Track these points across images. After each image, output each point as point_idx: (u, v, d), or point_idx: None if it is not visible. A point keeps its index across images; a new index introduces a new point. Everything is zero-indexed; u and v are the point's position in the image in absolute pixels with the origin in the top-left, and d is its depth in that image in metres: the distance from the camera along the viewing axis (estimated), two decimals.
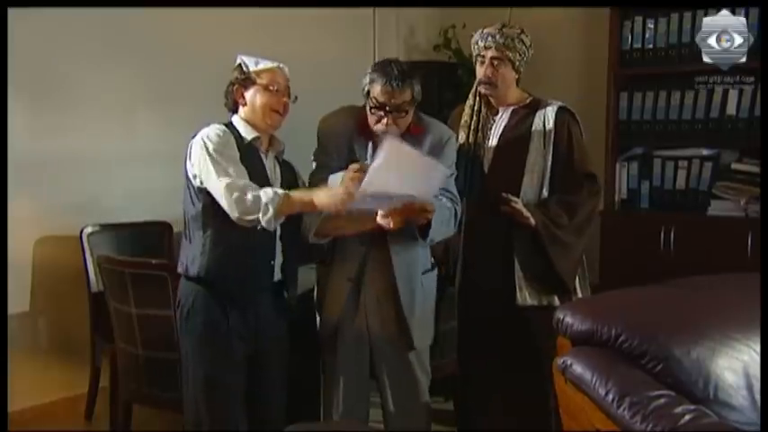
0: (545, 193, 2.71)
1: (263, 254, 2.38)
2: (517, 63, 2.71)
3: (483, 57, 2.71)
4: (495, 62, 2.69)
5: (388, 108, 2.38)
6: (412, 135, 2.45)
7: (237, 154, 2.30)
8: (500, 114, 2.80)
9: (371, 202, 2.26)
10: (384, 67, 2.41)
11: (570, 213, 2.70)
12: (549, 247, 2.67)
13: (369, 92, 2.42)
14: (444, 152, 2.51)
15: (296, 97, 2.43)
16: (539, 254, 2.69)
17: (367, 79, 2.43)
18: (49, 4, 3.25)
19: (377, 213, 2.36)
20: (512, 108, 2.79)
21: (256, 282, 2.39)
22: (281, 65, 2.43)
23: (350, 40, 4.56)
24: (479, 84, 2.75)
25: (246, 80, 2.38)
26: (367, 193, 2.18)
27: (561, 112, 2.74)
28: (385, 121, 2.39)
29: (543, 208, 2.69)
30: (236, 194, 2.20)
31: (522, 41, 2.71)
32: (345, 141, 2.50)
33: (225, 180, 2.22)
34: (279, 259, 2.42)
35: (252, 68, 2.38)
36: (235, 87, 2.40)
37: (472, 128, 2.78)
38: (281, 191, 2.24)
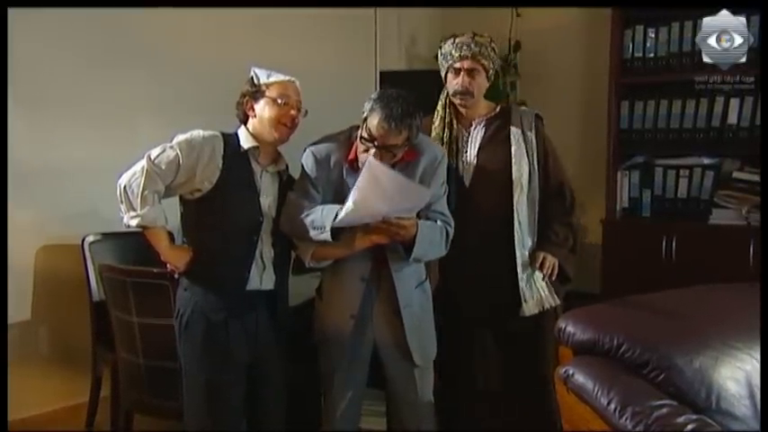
0: (536, 207, 2.69)
1: (235, 265, 2.37)
2: (490, 71, 2.68)
3: (458, 67, 2.65)
4: (473, 72, 2.65)
5: (376, 144, 2.27)
6: (407, 161, 2.38)
7: (205, 161, 2.32)
8: (474, 126, 2.74)
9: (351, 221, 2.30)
10: (388, 101, 2.27)
11: (571, 231, 2.74)
12: (570, 271, 2.72)
13: (366, 119, 2.30)
14: (437, 173, 2.44)
15: (306, 111, 2.43)
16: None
17: (368, 106, 2.30)
18: (50, 5, 3.25)
19: (368, 231, 2.35)
20: (485, 119, 2.74)
21: (229, 292, 2.37)
22: (292, 78, 2.43)
23: (351, 49, 4.57)
24: (455, 94, 2.69)
25: (257, 92, 2.39)
26: (349, 218, 2.24)
27: (537, 119, 2.72)
28: (372, 152, 2.28)
29: (551, 238, 2.70)
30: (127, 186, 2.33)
31: (494, 49, 2.69)
32: (337, 174, 2.41)
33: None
34: (269, 270, 2.41)
35: (263, 81, 2.39)
36: (245, 99, 2.41)
37: (445, 140, 2.71)
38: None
